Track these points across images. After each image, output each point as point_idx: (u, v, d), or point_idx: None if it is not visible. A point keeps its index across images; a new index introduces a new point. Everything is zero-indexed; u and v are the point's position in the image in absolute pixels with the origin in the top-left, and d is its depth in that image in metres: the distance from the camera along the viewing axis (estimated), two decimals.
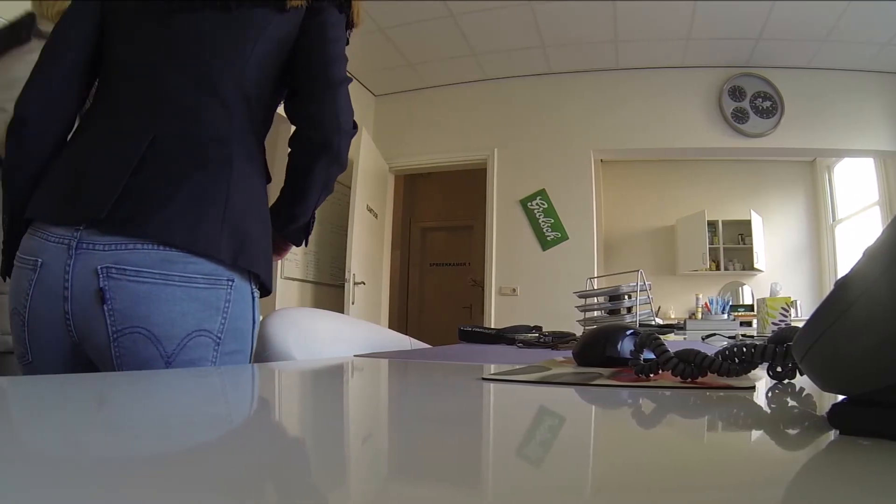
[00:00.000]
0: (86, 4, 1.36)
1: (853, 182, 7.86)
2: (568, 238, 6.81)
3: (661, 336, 0.91)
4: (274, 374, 1.10)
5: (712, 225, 8.67)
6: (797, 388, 0.74)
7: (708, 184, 8.86)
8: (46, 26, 1.90)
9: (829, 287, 0.69)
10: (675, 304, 8.63)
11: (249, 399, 0.79)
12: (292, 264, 5.94)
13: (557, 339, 1.95)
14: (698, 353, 0.75)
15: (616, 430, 0.55)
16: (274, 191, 1.50)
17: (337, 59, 1.45)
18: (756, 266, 8.50)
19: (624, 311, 2.70)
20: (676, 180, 9.00)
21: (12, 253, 1.29)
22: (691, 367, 0.75)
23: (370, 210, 6.71)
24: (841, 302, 0.40)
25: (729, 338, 2.54)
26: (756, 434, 0.52)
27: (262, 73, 1.38)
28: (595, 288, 2.98)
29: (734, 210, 8.70)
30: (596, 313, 2.91)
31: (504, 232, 7.03)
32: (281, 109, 1.53)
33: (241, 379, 1.00)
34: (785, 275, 8.30)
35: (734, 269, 8.75)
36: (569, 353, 1.34)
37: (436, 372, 1.12)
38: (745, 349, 0.75)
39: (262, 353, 1.45)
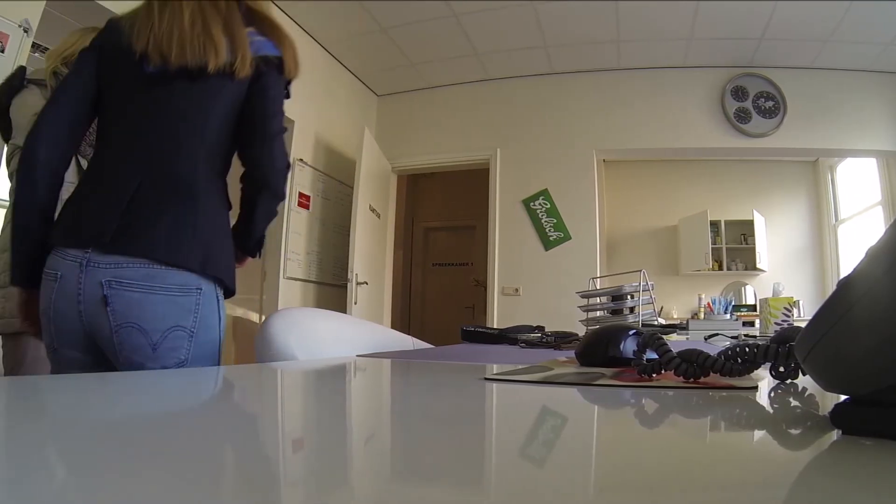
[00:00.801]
0: (84, 70, 1.74)
1: (856, 182, 7.85)
2: (570, 238, 6.81)
3: (664, 336, 0.91)
4: (276, 375, 1.10)
5: (715, 225, 8.66)
6: (800, 388, 0.74)
7: (710, 184, 8.86)
8: (36, 75, 2.57)
9: (831, 287, 0.69)
10: (678, 304, 8.63)
11: (251, 399, 0.79)
12: (295, 264, 5.95)
13: (560, 339, 1.95)
14: (701, 353, 0.75)
15: (619, 431, 0.55)
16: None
17: (274, 115, 1.82)
18: (758, 266, 8.49)
19: (626, 311, 2.70)
20: (679, 180, 8.99)
21: (24, 266, 1.69)
22: (694, 367, 0.75)
23: (373, 210, 6.70)
24: (843, 302, 0.40)
25: (731, 338, 2.54)
26: (759, 434, 0.52)
27: (220, 127, 1.76)
28: (597, 288, 2.98)
29: (737, 210, 8.69)
30: (598, 313, 2.91)
31: (506, 232, 7.03)
32: None
33: (242, 379, 1.00)
34: (787, 275, 8.29)
35: (737, 269, 8.74)
36: (571, 353, 1.34)
37: (438, 372, 1.12)
38: (747, 349, 0.75)
39: (265, 353, 1.45)
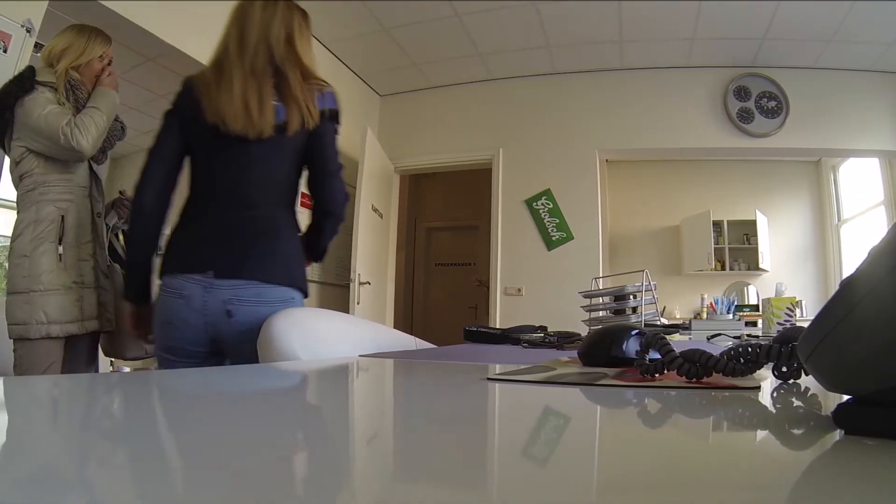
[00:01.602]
0: (172, 130, 2.15)
1: (858, 182, 7.84)
2: (573, 238, 6.80)
3: (666, 336, 0.91)
4: (279, 375, 1.10)
5: (717, 225, 8.65)
6: (802, 388, 0.74)
7: (713, 184, 8.85)
8: (44, 77, 2.64)
9: (834, 287, 0.69)
10: (681, 304, 8.62)
11: (253, 399, 0.79)
12: None
13: (563, 339, 1.94)
14: (703, 352, 0.75)
15: (622, 431, 0.55)
16: None
17: (334, 156, 2.25)
18: (761, 266, 8.48)
19: (629, 311, 2.70)
20: (681, 180, 8.99)
21: (140, 288, 2.19)
22: (697, 367, 0.75)
23: (375, 210, 6.70)
24: (846, 302, 0.40)
25: (734, 338, 2.54)
26: (761, 434, 0.52)
27: (289, 170, 2.20)
28: (600, 288, 2.98)
29: (739, 210, 8.68)
30: (601, 313, 2.91)
31: (509, 232, 7.02)
32: None
33: (245, 379, 1.00)
34: (790, 275, 8.29)
35: (739, 269, 8.73)
36: (574, 353, 1.34)
37: (441, 372, 1.12)
38: (750, 349, 0.75)
39: (268, 353, 1.46)
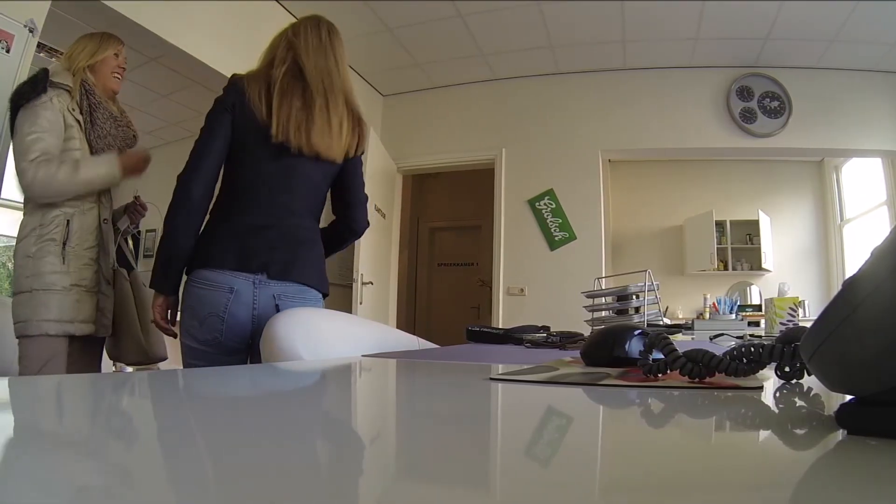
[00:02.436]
0: (224, 124, 2.20)
1: (861, 182, 7.84)
2: (576, 238, 6.79)
3: (669, 336, 0.91)
4: (282, 375, 1.10)
5: (720, 225, 8.65)
6: (805, 388, 0.74)
7: (716, 184, 8.85)
8: (59, 79, 2.63)
9: (836, 287, 0.69)
10: (683, 303, 8.62)
11: (256, 399, 0.79)
12: None
13: (565, 339, 1.94)
14: (706, 353, 0.75)
15: (625, 431, 0.55)
16: None
17: (362, 186, 2.57)
18: (764, 266, 8.49)
19: (632, 311, 2.70)
20: (684, 180, 8.99)
21: (176, 279, 2.21)
22: (699, 367, 0.75)
23: (378, 210, 6.70)
24: (849, 302, 0.40)
25: (737, 338, 2.54)
26: (764, 434, 0.52)
27: (326, 188, 2.44)
28: (603, 288, 2.98)
29: (742, 210, 8.68)
30: (604, 313, 2.91)
31: (512, 232, 7.02)
32: None
33: (247, 379, 1.00)
34: (793, 275, 8.29)
35: (742, 269, 8.73)
36: (577, 353, 1.34)
37: (444, 372, 1.12)
38: (753, 349, 0.75)
39: (270, 353, 1.46)
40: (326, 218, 2.51)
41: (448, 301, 10.21)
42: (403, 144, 7.52)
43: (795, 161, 8.48)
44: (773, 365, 0.76)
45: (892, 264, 0.37)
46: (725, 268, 8.72)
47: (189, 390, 0.81)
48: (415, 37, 6.35)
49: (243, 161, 2.24)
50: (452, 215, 10.40)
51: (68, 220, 2.63)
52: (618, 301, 2.76)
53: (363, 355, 1.43)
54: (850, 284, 0.41)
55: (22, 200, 2.68)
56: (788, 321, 2.65)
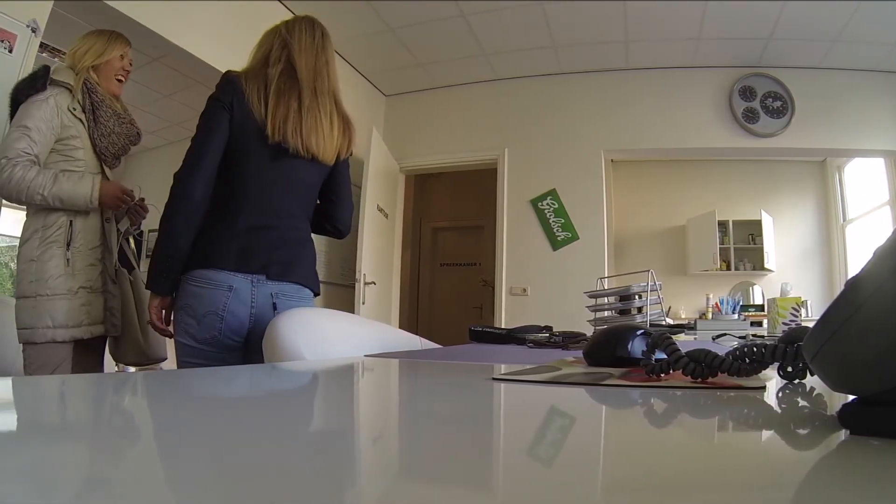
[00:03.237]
0: (222, 124, 2.20)
1: (864, 182, 7.83)
2: (578, 238, 6.80)
3: (672, 336, 0.91)
4: (284, 375, 1.10)
5: (723, 225, 8.66)
6: (808, 388, 0.74)
7: (718, 184, 8.85)
8: (60, 77, 2.61)
9: (839, 287, 0.69)
10: (686, 303, 8.62)
11: (258, 399, 0.79)
12: None
13: (568, 339, 1.94)
14: (709, 353, 0.75)
15: (627, 430, 0.55)
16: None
17: (349, 188, 2.60)
18: (766, 266, 8.49)
19: (634, 311, 2.70)
20: (687, 180, 8.99)
21: (174, 279, 2.20)
22: (702, 367, 0.75)
23: (381, 210, 6.71)
24: (851, 302, 0.40)
25: (739, 338, 2.54)
26: (767, 434, 0.52)
27: (317, 190, 2.47)
28: (605, 288, 2.98)
29: (744, 210, 8.69)
30: (606, 313, 2.91)
31: (514, 232, 7.02)
32: None
33: (250, 379, 1.00)
34: (795, 275, 8.29)
35: (745, 269, 8.73)
36: (579, 353, 1.34)
37: (446, 372, 1.12)
38: (755, 349, 0.75)
39: (273, 353, 1.46)
40: None
41: (450, 301, 10.22)
42: (406, 144, 7.53)
43: (798, 161, 8.48)
44: (776, 365, 0.76)
45: (894, 264, 0.37)
46: (728, 268, 8.72)
47: (190, 390, 0.81)
48: (417, 37, 6.36)
49: (241, 161, 2.24)
50: (455, 215, 10.41)
51: (71, 222, 2.60)
52: (620, 301, 2.76)
53: (365, 355, 1.43)
54: (853, 284, 0.41)
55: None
56: (791, 321, 2.65)
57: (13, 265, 2.48)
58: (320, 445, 0.44)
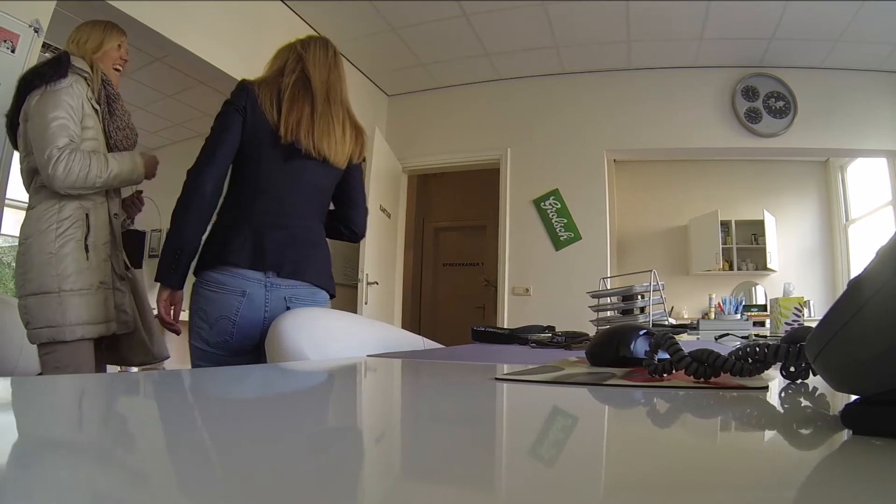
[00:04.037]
0: (234, 125, 2.28)
1: (866, 182, 7.82)
2: (581, 238, 6.79)
3: (674, 336, 0.91)
4: (288, 375, 1.10)
5: (725, 225, 8.65)
6: (810, 388, 0.74)
7: (721, 184, 8.84)
8: (79, 65, 2.56)
9: (842, 287, 0.69)
10: (688, 303, 8.62)
11: (261, 399, 0.79)
12: None
13: (570, 339, 1.94)
14: (712, 353, 0.75)
15: (630, 430, 0.56)
16: None
17: (363, 192, 2.73)
18: (769, 266, 8.48)
19: (637, 311, 2.70)
20: (689, 180, 8.98)
21: (184, 273, 2.24)
22: (705, 367, 0.75)
23: (383, 210, 6.71)
24: (854, 302, 0.40)
25: (742, 338, 2.54)
26: (769, 434, 0.52)
27: (330, 194, 2.56)
28: (608, 288, 2.98)
29: (747, 210, 8.68)
30: (609, 313, 2.91)
31: (517, 232, 7.02)
32: None
33: (254, 379, 1.00)
34: (798, 275, 8.28)
35: (747, 269, 8.73)
36: (582, 353, 1.34)
37: (449, 372, 1.13)
38: (758, 349, 0.75)
39: (276, 353, 1.46)
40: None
41: (453, 301, 10.21)
42: (408, 144, 7.54)
43: (801, 161, 8.47)
44: (779, 365, 0.76)
45: None
46: (730, 268, 8.72)
47: (195, 391, 0.81)
48: (419, 37, 6.36)
49: (254, 162, 2.32)
50: (457, 215, 10.40)
51: (87, 214, 2.54)
52: (623, 301, 2.76)
53: (368, 355, 1.43)
54: (856, 284, 0.41)
55: (28, 196, 2.59)
56: (794, 321, 2.65)
57: (14, 264, 2.40)
58: (323, 445, 0.44)
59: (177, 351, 3.37)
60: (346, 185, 2.62)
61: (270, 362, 1.46)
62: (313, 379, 1.04)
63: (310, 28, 5.96)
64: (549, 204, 6.90)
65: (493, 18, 5.97)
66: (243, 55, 5.10)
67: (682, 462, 0.40)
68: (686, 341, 2.27)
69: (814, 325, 0.48)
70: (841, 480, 0.34)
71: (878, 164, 7.25)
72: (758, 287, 8.66)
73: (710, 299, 8.18)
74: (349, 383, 1.02)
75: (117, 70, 2.82)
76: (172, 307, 2.30)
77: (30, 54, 3.42)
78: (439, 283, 10.55)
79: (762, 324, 5.35)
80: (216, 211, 2.33)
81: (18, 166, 2.65)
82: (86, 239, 2.52)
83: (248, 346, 2.24)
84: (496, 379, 0.95)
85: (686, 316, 8.35)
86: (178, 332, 2.34)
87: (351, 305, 6.24)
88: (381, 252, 6.67)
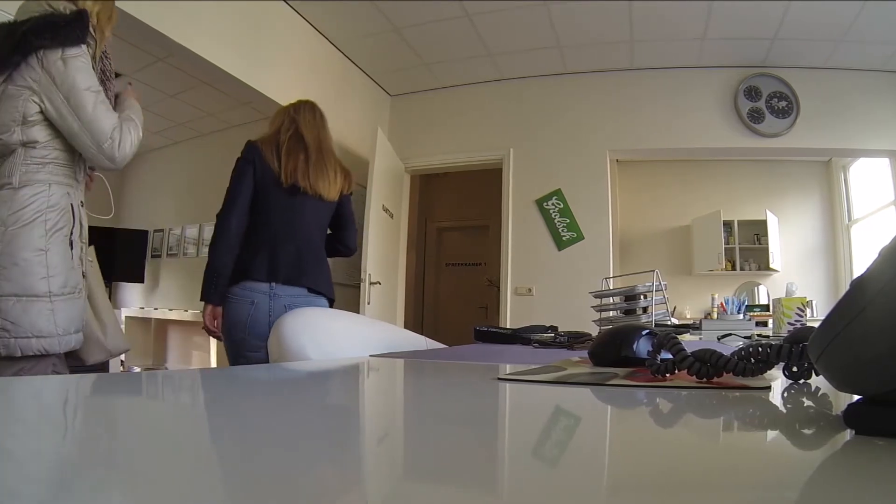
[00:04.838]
0: (248, 175, 2.97)
1: (869, 182, 7.81)
2: (583, 238, 6.79)
3: (677, 336, 0.91)
4: (290, 374, 1.10)
5: (728, 225, 8.64)
6: (813, 388, 0.74)
7: (723, 184, 8.84)
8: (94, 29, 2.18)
9: (844, 287, 0.69)
10: (691, 303, 8.61)
11: (263, 400, 0.79)
12: None
13: (573, 339, 1.94)
14: (714, 352, 0.75)
15: (632, 431, 0.56)
16: None
17: (353, 217, 3.45)
18: (772, 266, 8.47)
19: (639, 311, 2.70)
20: (692, 180, 8.98)
21: (220, 293, 2.92)
22: (708, 367, 0.75)
23: (386, 210, 6.70)
24: (856, 302, 0.40)
25: (745, 338, 2.53)
26: (772, 434, 0.52)
27: (327, 223, 3.27)
28: (611, 288, 2.97)
29: (750, 210, 8.67)
30: (611, 313, 2.90)
31: (520, 232, 7.02)
32: None
33: (256, 379, 1.00)
34: (801, 275, 8.27)
35: (750, 269, 8.72)
36: (584, 353, 1.34)
37: (451, 372, 1.13)
38: (760, 349, 0.75)
39: (278, 353, 1.46)
40: None
41: (456, 301, 10.23)
42: (411, 144, 7.53)
43: (803, 161, 8.46)
44: (781, 365, 0.76)
45: None
46: (733, 268, 8.72)
47: (193, 391, 0.81)
48: (422, 37, 6.35)
49: (265, 201, 3.01)
50: (460, 215, 10.41)
51: (72, 205, 2.19)
52: (625, 301, 2.75)
53: (371, 355, 1.43)
54: (858, 284, 0.41)
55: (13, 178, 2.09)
56: (796, 321, 2.64)
57: None
58: (326, 445, 0.44)
59: (178, 351, 3.71)
60: (340, 214, 3.34)
61: (273, 362, 1.46)
62: (315, 379, 1.04)
63: (312, 28, 5.97)
64: (552, 204, 6.90)
65: (495, 18, 5.97)
66: (246, 55, 5.10)
67: (684, 462, 0.40)
68: (689, 341, 2.27)
69: (816, 325, 0.48)
70: (843, 481, 0.34)
71: (880, 164, 7.24)
72: (760, 287, 8.65)
73: (713, 299, 8.18)
74: (352, 383, 1.02)
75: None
76: (216, 320, 2.95)
77: None
78: (442, 283, 10.56)
79: (765, 324, 5.37)
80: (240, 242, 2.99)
81: None
82: (71, 233, 2.17)
83: (261, 344, 2.83)
84: (499, 379, 0.95)
85: (689, 316, 8.35)
86: (220, 339, 3.02)
87: (353, 305, 6.24)
88: (383, 252, 6.67)
